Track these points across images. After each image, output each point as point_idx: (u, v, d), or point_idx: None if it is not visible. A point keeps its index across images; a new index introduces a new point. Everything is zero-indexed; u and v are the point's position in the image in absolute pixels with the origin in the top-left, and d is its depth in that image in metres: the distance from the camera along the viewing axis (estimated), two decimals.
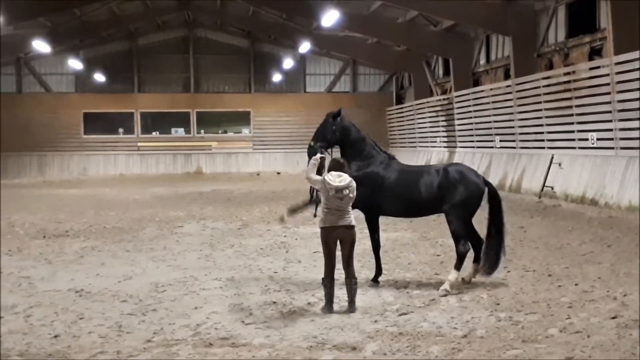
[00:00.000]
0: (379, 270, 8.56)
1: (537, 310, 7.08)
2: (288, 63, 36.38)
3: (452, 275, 8.02)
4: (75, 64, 34.89)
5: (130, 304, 7.73)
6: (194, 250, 11.41)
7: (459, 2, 21.73)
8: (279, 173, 35.41)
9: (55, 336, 6.46)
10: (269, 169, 36.19)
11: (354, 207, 7.49)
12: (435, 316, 6.92)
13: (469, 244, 8.18)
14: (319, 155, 7.76)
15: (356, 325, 6.67)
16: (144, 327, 6.77)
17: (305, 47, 31.80)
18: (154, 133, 37.47)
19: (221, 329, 6.62)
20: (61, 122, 36.01)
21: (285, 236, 12.83)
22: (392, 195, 8.18)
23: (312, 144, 8.52)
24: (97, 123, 36.69)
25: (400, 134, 34.69)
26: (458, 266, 8.09)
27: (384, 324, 6.72)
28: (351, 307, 7.19)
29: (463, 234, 8.14)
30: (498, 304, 7.36)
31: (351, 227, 7.29)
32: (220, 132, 38.32)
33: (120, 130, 37.15)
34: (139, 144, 36.87)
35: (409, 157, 31.04)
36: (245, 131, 38.05)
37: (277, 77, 37.88)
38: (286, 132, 37.20)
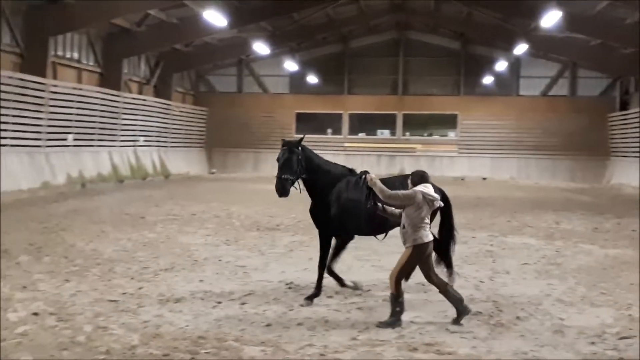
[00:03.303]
0: (318, 291, 7.96)
1: None
2: (501, 65, 35.17)
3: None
4: (290, 66, 36.56)
5: (336, 299, 7.90)
6: (398, 253, 11.34)
7: None
8: (484, 179, 34.38)
9: (268, 325, 6.76)
10: (474, 174, 35.18)
11: (337, 232, 8.05)
12: None
13: None
14: (365, 173, 7.41)
15: (571, 345, 6.23)
16: (349, 324, 6.87)
17: (521, 48, 30.41)
18: (360, 134, 38.24)
19: (426, 334, 6.52)
20: (275, 122, 37.93)
21: (491, 245, 12.41)
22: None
23: (283, 176, 7.78)
24: (307, 123, 38.16)
25: (623, 143, 32.07)
26: None
27: (602, 346, 6.21)
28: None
29: None
30: None
31: None
32: (425, 134, 38.17)
33: (329, 130, 38.36)
34: (346, 144, 37.80)
35: (634, 168, 28.69)
36: (452, 134, 37.50)
37: (488, 80, 36.83)
38: (495, 137, 36.12)
